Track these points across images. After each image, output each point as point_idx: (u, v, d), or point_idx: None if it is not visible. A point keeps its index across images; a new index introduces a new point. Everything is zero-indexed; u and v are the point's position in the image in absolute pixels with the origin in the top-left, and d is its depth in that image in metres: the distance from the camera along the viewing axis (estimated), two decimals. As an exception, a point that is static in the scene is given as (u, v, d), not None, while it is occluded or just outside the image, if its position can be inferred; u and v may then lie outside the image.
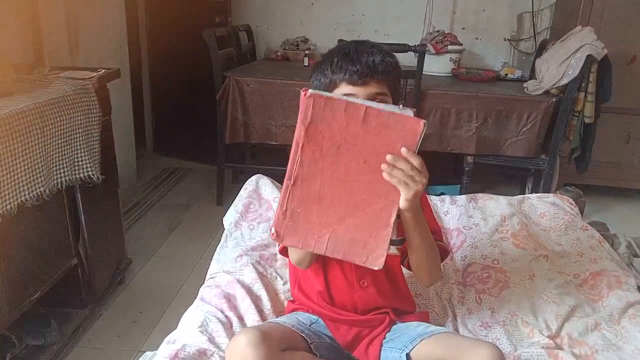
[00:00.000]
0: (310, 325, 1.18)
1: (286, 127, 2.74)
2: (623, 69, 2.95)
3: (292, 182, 0.92)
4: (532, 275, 1.47)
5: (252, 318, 1.27)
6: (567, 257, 1.58)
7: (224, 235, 1.68)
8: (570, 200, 1.83)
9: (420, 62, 2.67)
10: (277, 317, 1.28)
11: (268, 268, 1.46)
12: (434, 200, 1.83)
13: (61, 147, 1.62)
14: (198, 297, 1.36)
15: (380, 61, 1.06)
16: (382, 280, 1.19)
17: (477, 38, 3.75)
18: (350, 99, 0.93)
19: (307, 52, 3.54)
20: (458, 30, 3.67)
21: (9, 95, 1.53)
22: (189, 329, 1.21)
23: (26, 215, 1.48)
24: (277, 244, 1.39)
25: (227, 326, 1.23)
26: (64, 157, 1.64)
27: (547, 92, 2.70)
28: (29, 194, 1.46)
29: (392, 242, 0.96)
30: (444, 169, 3.49)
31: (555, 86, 2.65)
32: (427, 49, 2.95)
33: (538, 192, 2.51)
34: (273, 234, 0.95)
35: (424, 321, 1.21)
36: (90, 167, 1.74)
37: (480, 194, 1.86)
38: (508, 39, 3.73)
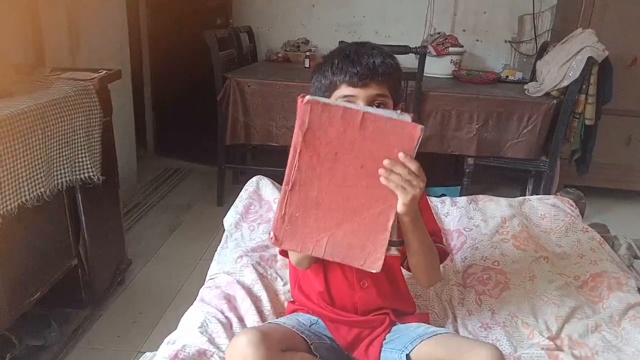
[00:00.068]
0: (310, 326, 1.18)
1: (287, 129, 2.74)
2: (624, 71, 2.96)
3: (290, 187, 0.93)
4: (533, 277, 1.47)
5: (252, 319, 1.27)
6: (567, 258, 1.58)
7: (224, 236, 1.68)
8: (571, 201, 1.82)
9: (421, 63, 2.67)
10: (277, 318, 1.28)
11: (268, 269, 1.46)
12: (434, 201, 1.83)
13: (62, 147, 1.62)
14: (198, 297, 1.36)
15: (381, 63, 1.06)
16: (383, 281, 1.19)
17: (477, 40, 3.75)
18: (348, 104, 0.93)
19: (308, 53, 3.54)
20: (459, 32, 3.67)
21: (10, 96, 1.53)
22: (189, 329, 1.21)
23: (27, 215, 1.48)
24: (277, 246, 1.39)
25: (227, 327, 1.23)
26: (64, 157, 1.64)
27: (547, 94, 2.70)
28: (29, 194, 1.46)
29: (392, 243, 0.97)
30: (444, 170, 3.49)
31: (556, 88, 2.65)
32: (427, 50, 2.95)
33: (538, 194, 2.51)
34: (272, 238, 0.95)
35: (424, 322, 1.21)
36: (91, 167, 1.74)
37: (480, 196, 1.86)
38: (509, 41, 3.73)
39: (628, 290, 1.43)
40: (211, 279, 1.45)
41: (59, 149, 1.61)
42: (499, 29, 3.71)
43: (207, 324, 1.22)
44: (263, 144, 2.88)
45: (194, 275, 2.25)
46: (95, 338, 1.85)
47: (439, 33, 3.45)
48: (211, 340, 1.17)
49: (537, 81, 2.85)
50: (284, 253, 1.24)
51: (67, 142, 1.64)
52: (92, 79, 1.82)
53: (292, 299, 1.31)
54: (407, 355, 1.08)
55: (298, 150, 0.91)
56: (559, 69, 2.62)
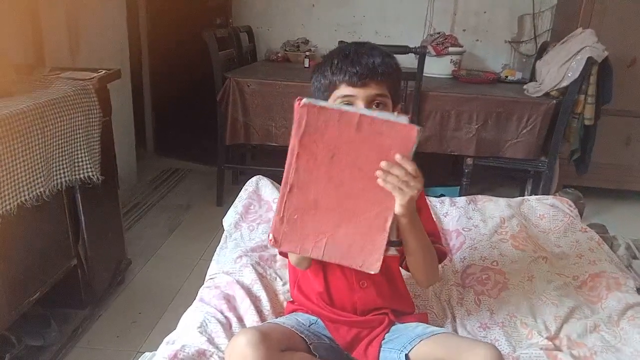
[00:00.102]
0: (309, 326, 1.18)
1: (286, 129, 2.73)
2: (623, 71, 2.96)
3: (288, 190, 0.93)
4: (531, 277, 1.47)
5: (251, 319, 1.27)
6: (566, 258, 1.59)
7: (223, 236, 1.68)
8: (570, 202, 1.83)
9: (421, 63, 2.67)
10: (276, 317, 1.28)
11: (267, 269, 1.47)
12: (433, 201, 1.83)
13: (61, 147, 1.62)
14: (197, 297, 1.36)
15: (380, 63, 1.06)
16: (382, 281, 1.19)
17: (477, 40, 3.75)
18: (344, 107, 0.93)
19: (307, 53, 3.54)
20: (459, 32, 3.67)
21: (9, 96, 1.53)
22: (189, 329, 1.21)
23: (26, 215, 1.48)
24: (276, 247, 1.39)
25: (227, 327, 1.23)
26: (64, 157, 1.64)
27: (547, 94, 2.70)
28: (28, 194, 1.46)
29: (391, 244, 0.97)
30: (443, 170, 3.49)
31: (555, 88, 2.65)
32: (427, 50, 2.95)
33: (537, 194, 2.52)
34: (271, 240, 0.96)
35: (423, 322, 1.21)
36: (91, 167, 1.74)
37: (479, 196, 1.86)
38: (509, 41, 3.73)
39: (627, 290, 1.43)
40: (211, 278, 1.45)
41: (59, 148, 1.61)
42: (498, 29, 3.71)
43: (206, 324, 1.22)
44: (262, 144, 2.88)
45: (193, 275, 2.25)
46: (94, 338, 1.85)
47: (438, 33, 3.45)
48: (210, 340, 1.18)
49: (536, 81, 2.85)
50: (284, 253, 1.24)
51: (67, 141, 1.64)
52: (91, 78, 1.82)
53: (291, 299, 1.31)
54: (406, 355, 1.08)
55: (295, 153, 0.91)
56: (559, 69, 2.62)
